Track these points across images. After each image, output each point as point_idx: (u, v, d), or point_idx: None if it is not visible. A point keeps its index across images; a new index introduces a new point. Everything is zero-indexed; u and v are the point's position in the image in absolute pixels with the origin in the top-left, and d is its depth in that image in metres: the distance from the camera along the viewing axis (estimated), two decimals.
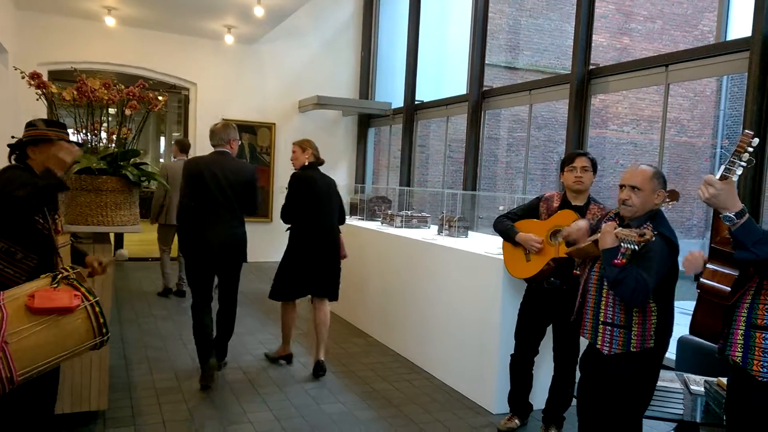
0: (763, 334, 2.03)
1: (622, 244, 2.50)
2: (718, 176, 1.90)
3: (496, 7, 11.46)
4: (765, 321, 2.03)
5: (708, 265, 2.09)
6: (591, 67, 5.89)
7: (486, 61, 7.73)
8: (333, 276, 4.54)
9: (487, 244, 4.65)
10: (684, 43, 13.48)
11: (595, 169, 3.47)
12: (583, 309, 2.86)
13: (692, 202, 13.79)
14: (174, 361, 4.69)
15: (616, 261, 2.53)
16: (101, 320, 2.14)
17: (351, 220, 6.58)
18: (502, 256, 3.85)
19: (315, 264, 4.43)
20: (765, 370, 2.03)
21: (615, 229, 2.55)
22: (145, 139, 14.67)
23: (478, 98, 7.52)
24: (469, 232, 5.27)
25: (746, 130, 1.87)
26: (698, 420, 3.03)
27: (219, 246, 4.09)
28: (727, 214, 1.88)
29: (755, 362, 2.05)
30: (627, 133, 13.66)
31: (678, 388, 3.08)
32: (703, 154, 14.13)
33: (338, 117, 10.36)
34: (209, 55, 9.31)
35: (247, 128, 9.61)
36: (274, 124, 9.75)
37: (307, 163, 4.46)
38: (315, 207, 4.41)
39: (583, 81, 5.87)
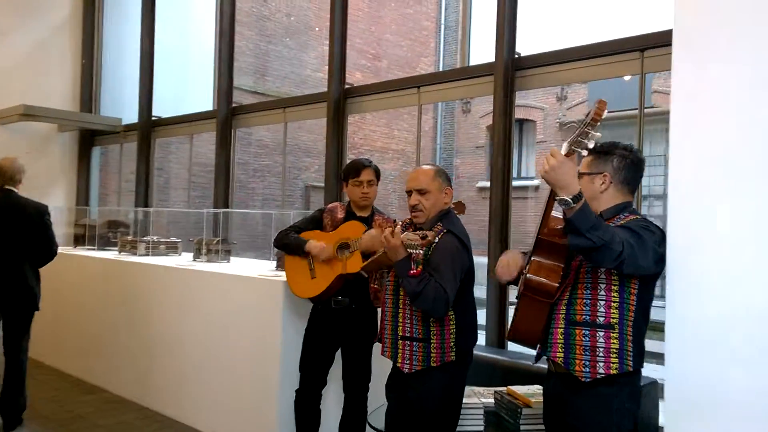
0: (583, 331, 1.93)
1: (409, 251, 2.31)
2: (564, 150, 1.72)
3: (236, 29, 11.04)
4: (583, 317, 1.93)
5: (533, 258, 1.95)
6: (347, 86, 5.87)
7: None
8: None
9: (256, 267, 4.14)
10: None
11: (378, 179, 3.28)
12: (381, 325, 2.59)
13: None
14: None
15: (412, 272, 2.32)
16: None
17: (77, 251, 5.39)
18: (280, 277, 3.40)
19: None
20: (587, 369, 1.91)
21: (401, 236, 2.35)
22: None
23: (228, 114, 6.96)
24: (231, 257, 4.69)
25: (601, 99, 1.73)
26: None
27: None
28: (564, 197, 1.70)
29: (577, 362, 1.93)
30: None
31: (476, 403, 2.98)
32: None
33: (53, 132, 8.68)
34: None
35: None
36: None
37: None
38: None
39: (340, 99, 5.80)
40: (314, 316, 3.25)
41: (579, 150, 1.71)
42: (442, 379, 2.44)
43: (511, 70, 4.58)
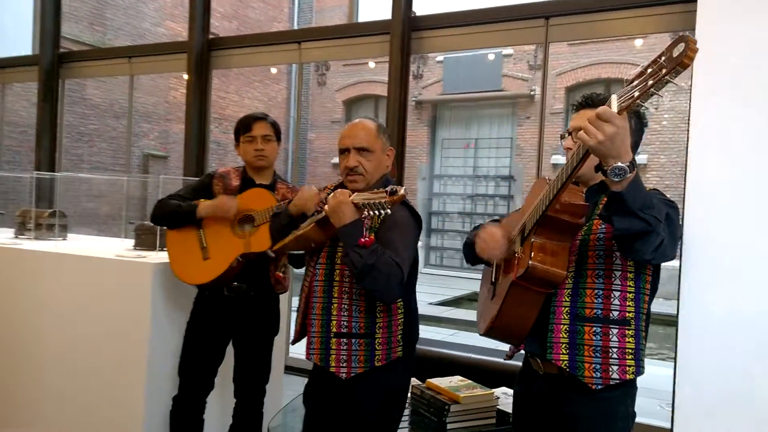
0: (593, 328, 1.56)
1: (367, 213, 1.81)
2: (617, 106, 1.23)
3: None
4: (594, 311, 1.56)
5: (535, 239, 1.55)
6: (211, 36, 5.08)
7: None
8: None
9: (107, 247, 3.32)
10: None
11: (279, 137, 2.71)
12: (307, 320, 2.06)
13: None
14: None
15: (363, 239, 1.83)
16: None
17: None
18: (145, 259, 2.70)
19: None
20: (599, 375, 1.55)
21: (350, 197, 1.85)
22: None
23: (54, 61, 5.72)
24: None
25: (688, 36, 1.14)
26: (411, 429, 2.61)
27: None
28: (620, 164, 1.27)
29: (586, 366, 1.56)
30: (211, 132, 13.27)
31: None
32: (278, 157, 14.93)
33: None
34: None
35: None
36: None
37: None
38: None
39: (203, 51, 4.99)
40: (200, 306, 2.60)
41: (645, 105, 1.23)
42: (389, 381, 1.99)
43: (408, 30, 4.20)
